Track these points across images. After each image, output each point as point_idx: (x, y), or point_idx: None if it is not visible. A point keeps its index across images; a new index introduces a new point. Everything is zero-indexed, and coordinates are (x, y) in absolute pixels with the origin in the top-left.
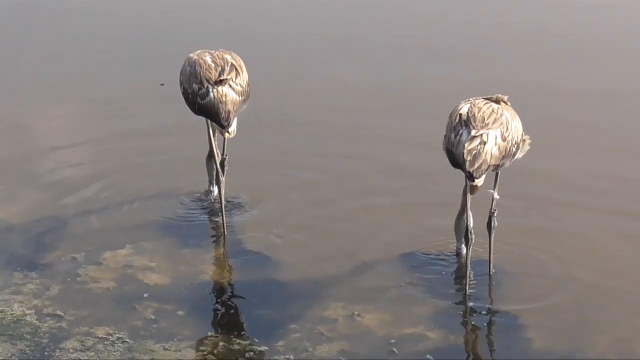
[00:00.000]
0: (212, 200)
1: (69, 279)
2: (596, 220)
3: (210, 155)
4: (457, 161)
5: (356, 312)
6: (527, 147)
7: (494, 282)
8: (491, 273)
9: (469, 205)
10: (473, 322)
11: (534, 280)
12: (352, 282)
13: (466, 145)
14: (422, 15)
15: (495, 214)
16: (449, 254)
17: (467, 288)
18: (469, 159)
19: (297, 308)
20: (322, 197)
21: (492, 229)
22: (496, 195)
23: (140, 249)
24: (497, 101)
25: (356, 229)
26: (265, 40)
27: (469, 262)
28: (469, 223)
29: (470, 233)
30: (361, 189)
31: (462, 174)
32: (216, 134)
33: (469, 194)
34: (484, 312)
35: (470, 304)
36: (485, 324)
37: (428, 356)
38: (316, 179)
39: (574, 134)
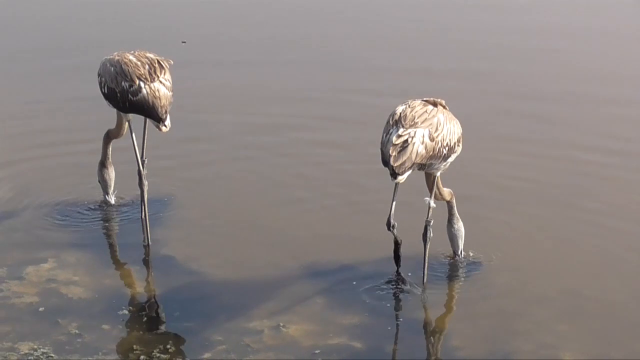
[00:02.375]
0: (107, 207)
1: None
2: (518, 223)
3: (103, 163)
4: (385, 159)
5: (281, 323)
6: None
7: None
8: (425, 281)
9: (394, 199)
10: (398, 331)
11: (460, 286)
12: (278, 292)
13: (393, 140)
14: None
15: (431, 224)
16: (373, 261)
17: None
18: (394, 154)
19: (223, 319)
20: (244, 203)
21: (428, 239)
22: (432, 204)
23: (63, 263)
24: (434, 104)
25: (279, 237)
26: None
27: (399, 269)
28: (390, 214)
29: (393, 227)
30: (283, 195)
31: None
32: (118, 139)
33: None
34: (409, 320)
35: (396, 312)
36: (410, 333)
37: None
38: (236, 183)
39: None
